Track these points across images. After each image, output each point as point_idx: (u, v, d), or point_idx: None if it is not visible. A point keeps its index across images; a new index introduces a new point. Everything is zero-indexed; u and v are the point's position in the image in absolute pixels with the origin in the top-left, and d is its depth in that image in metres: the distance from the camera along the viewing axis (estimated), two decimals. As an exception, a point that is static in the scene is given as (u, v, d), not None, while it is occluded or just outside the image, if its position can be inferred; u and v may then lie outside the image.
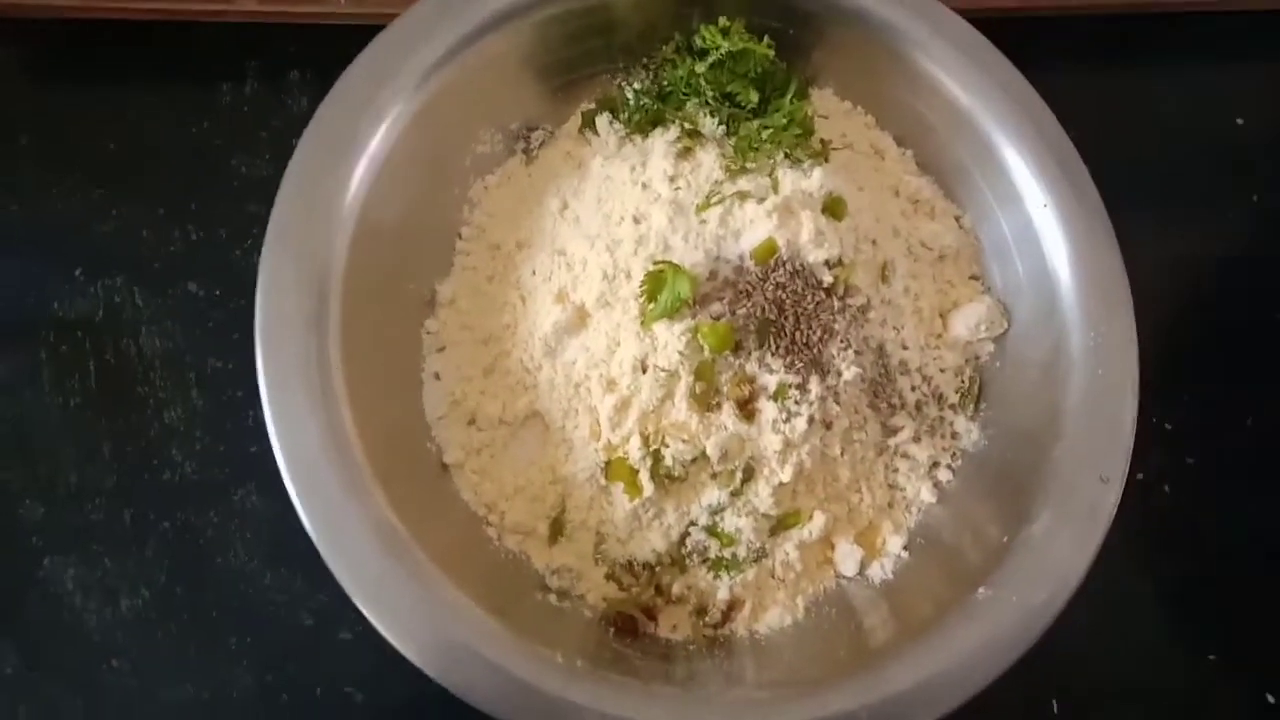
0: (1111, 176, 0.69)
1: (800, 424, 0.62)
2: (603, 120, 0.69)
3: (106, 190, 0.74)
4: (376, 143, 0.63)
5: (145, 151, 0.75)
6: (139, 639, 0.66)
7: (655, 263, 0.61)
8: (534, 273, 0.66)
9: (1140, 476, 0.75)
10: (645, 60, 0.71)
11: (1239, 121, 0.85)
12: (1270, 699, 0.73)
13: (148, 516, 0.68)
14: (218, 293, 0.72)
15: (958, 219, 0.72)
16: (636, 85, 0.70)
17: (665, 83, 0.70)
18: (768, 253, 0.62)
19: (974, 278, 0.71)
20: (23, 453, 0.68)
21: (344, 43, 0.66)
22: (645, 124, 0.69)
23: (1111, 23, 0.84)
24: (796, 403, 0.62)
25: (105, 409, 0.70)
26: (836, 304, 0.64)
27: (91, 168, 0.74)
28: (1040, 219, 0.67)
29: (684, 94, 0.68)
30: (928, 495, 0.68)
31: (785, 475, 0.63)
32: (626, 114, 0.69)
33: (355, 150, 0.62)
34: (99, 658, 0.65)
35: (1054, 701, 0.71)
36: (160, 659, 0.65)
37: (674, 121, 0.68)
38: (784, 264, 0.63)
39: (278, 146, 0.75)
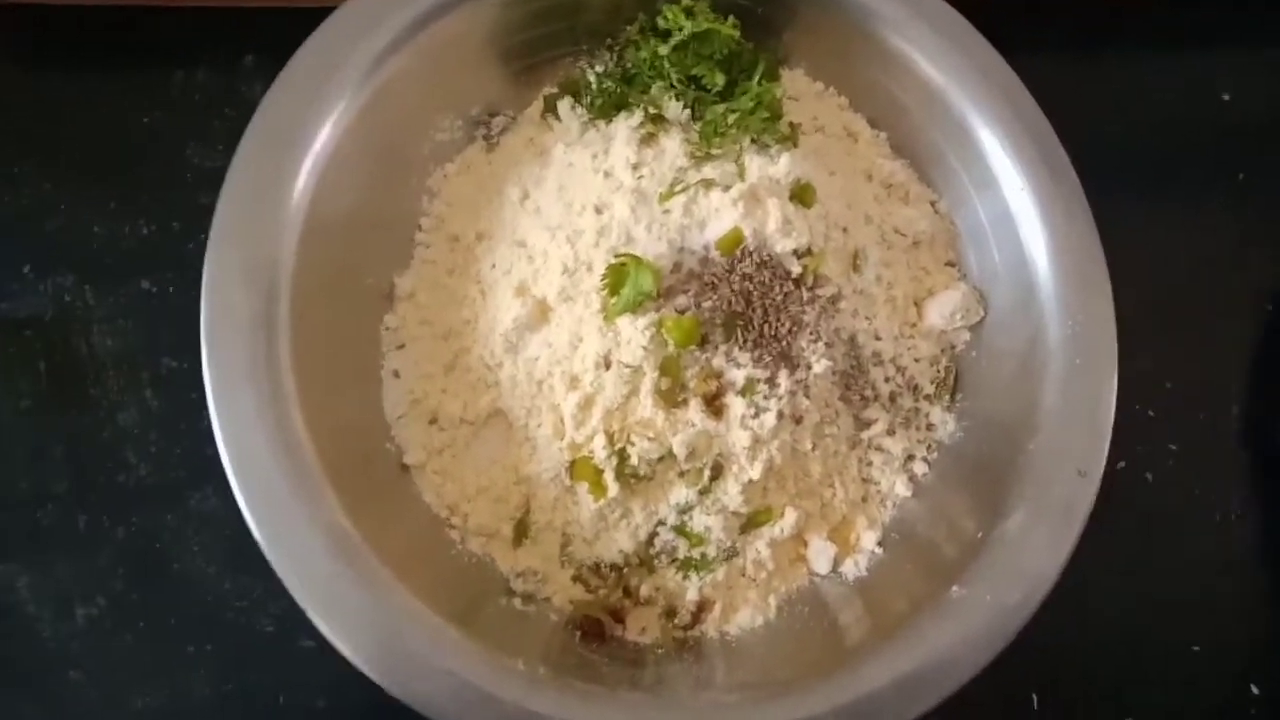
0: (1094, 160, 0.67)
1: (769, 419, 0.60)
2: (565, 105, 0.67)
3: (54, 183, 0.71)
4: (326, 132, 0.60)
5: (95, 142, 0.72)
6: (96, 648, 0.64)
7: (617, 255, 0.59)
8: (494, 266, 0.64)
9: (1121, 465, 0.74)
10: (609, 42, 0.69)
11: (1225, 97, 0.82)
12: (1255, 689, 0.72)
13: (102, 521, 0.66)
14: (171, 289, 0.70)
15: (933, 204, 0.69)
16: (599, 68, 0.67)
17: (629, 65, 0.67)
18: (733, 243, 0.60)
19: (949, 264, 0.69)
20: (-28, 457, 0.67)
21: (300, 26, 0.64)
22: (609, 108, 0.66)
23: (1095, 4, 0.81)
24: (765, 398, 0.60)
25: (57, 411, 0.68)
26: (806, 295, 0.62)
27: (39, 160, 0.72)
28: (1017, 204, 0.64)
29: (648, 77, 0.66)
30: (902, 489, 0.66)
31: (755, 472, 0.61)
32: (589, 98, 0.67)
33: (302, 141, 0.59)
34: (56, 668, 0.64)
35: (1034, 696, 0.69)
36: (118, 668, 0.64)
37: (638, 106, 0.65)
38: (750, 254, 0.60)
39: (232, 135, 0.70)
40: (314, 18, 0.63)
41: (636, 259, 0.59)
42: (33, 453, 0.67)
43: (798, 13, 0.67)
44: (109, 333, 0.69)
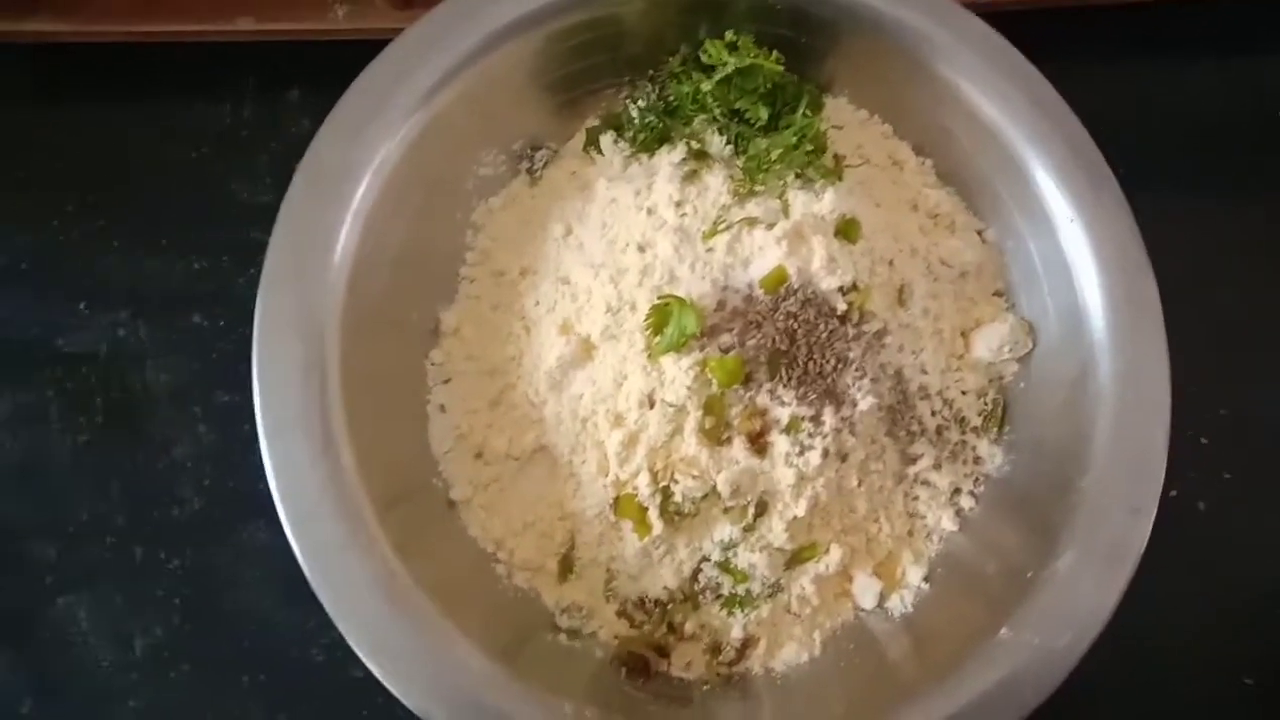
0: (1143, 174, 0.65)
1: (814, 457, 0.60)
2: (607, 139, 0.67)
3: (107, 220, 0.73)
4: (372, 174, 0.61)
5: (145, 179, 0.74)
6: (153, 678, 0.66)
7: (660, 295, 0.59)
8: (538, 303, 0.65)
9: (1174, 493, 0.72)
10: (652, 73, 0.69)
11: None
12: (1310, 723, 0.71)
13: (158, 554, 0.68)
14: (222, 324, 0.71)
15: (980, 233, 0.68)
16: (641, 103, 0.67)
17: (671, 97, 0.67)
18: (777, 281, 0.60)
19: (997, 294, 0.68)
20: (33, 491, 0.69)
21: (343, 59, 0.65)
22: (651, 142, 0.66)
23: (1146, 12, 0.79)
24: (810, 435, 0.60)
25: (113, 445, 0.69)
26: (851, 331, 0.61)
27: (91, 198, 0.73)
28: (1067, 235, 0.63)
29: (690, 110, 0.65)
30: (949, 523, 0.65)
31: (799, 509, 0.61)
32: (632, 132, 0.67)
33: (349, 185, 0.60)
34: (115, 698, 0.66)
35: (1084, 728, 0.69)
36: (175, 699, 0.66)
37: (681, 139, 0.65)
38: (795, 292, 0.60)
39: (278, 170, 0.74)
40: (356, 50, 0.63)
41: (680, 300, 0.59)
42: (91, 487, 0.69)
43: (840, 40, 0.67)
44: (162, 367, 0.71)
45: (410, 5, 0.73)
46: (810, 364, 0.60)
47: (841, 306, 0.61)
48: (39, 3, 0.72)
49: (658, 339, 0.59)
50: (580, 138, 0.69)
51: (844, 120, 0.69)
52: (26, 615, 0.66)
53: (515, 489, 0.64)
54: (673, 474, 0.61)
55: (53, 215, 0.72)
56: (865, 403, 0.61)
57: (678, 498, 0.60)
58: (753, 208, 0.62)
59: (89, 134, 0.75)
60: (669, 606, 0.63)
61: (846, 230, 0.62)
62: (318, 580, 0.55)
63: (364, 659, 0.54)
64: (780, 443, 0.60)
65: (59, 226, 0.72)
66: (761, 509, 0.61)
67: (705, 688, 0.62)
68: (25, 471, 0.69)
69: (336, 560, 0.55)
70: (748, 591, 0.63)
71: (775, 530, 0.61)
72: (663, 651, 0.63)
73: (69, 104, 0.76)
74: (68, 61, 0.75)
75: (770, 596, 0.63)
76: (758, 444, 0.60)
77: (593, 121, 0.69)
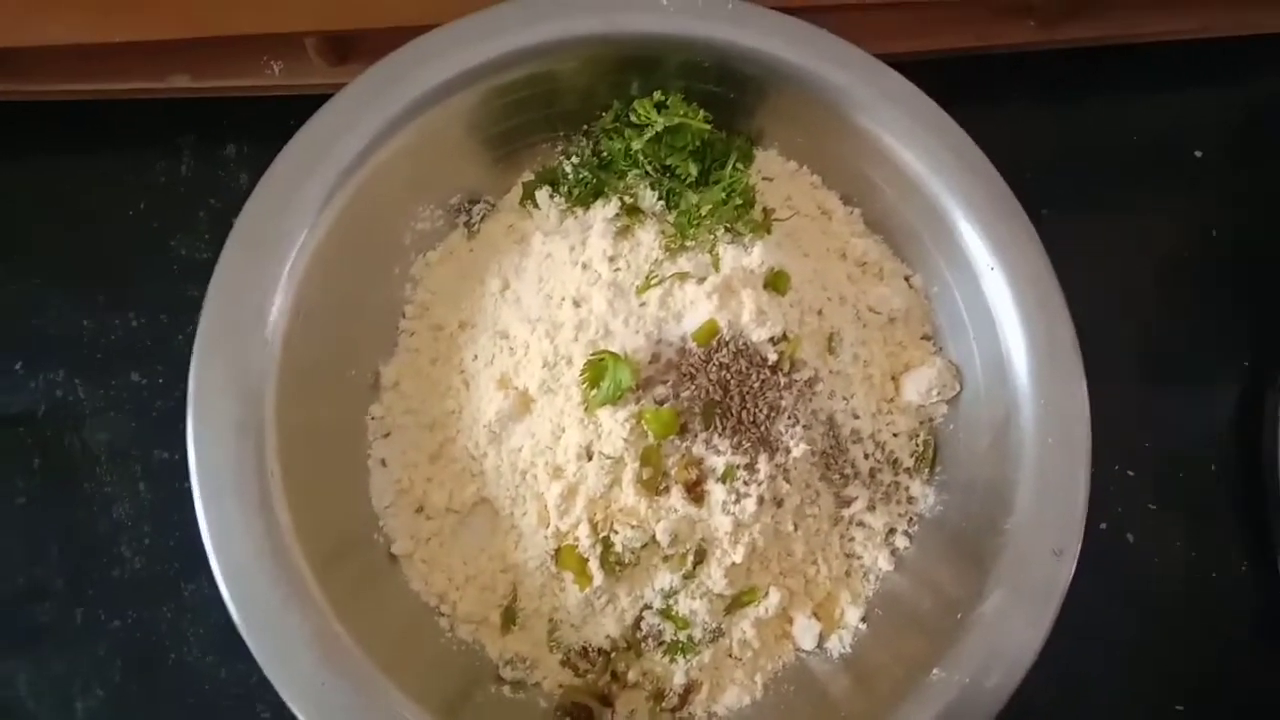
0: (1064, 213, 0.68)
1: (750, 504, 0.61)
2: (543, 194, 0.68)
3: (42, 279, 0.73)
4: (308, 231, 0.61)
5: (82, 236, 0.74)
6: (94, 741, 0.65)
7: (595, 351, 0.60)
8: (476, 357, 0.65)
9: (1103, 526, 0.75)
10: (585, 128, 0.70)
11: (1197, 154, 0.83)
12: (1240, 747, 0.73)
13: (99, 615, 0.67)
14: (161, 381, 0.71)
15: (907, 279, 0.70)
16: (575, 158, 0.68)
17: (605, 153, 0.68)
18: (709, 334, 0.61)
19: (925, 338, 0.70)
20: (-31, 556, 0.68)
21: (280, 114, 0.66)
22: (586, 196, 0.67)
23: (1067, 57, 0.82)
24: (745, 483, 0.62)
25: (51, 505, 0.69)
26: (783, 380, 0.63)
27: (26, 255, 0.73)
28: (989, 282, 0.65)
29: (623, 166, 0.67)
30: (885, 563, 0.67)
31: (737, 556, 0.62)
32: (566, 187, 0.68)
33: (285, 242, 0.60)
34: (55, 762, 0.65)
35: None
36: (117, 761, 0.65)
37: (614, 193, 0.66)
38: (727, 344, 0.62)
39: (217, 226, 0.74)
40: (293, 106, 0.64)
41: (615, 355, 0.60)
42: (28, 549, 0.68)
43: (768, 96, 0.68)
44: (100, 426, 0.70)
45: (345, 61, 0.74)
46: (744, 413, 0.62)
47: (773, 356, 0.62)
48: (-28, 62, 0.72)
49: (594, 392, 0.60)
50: (517, 192, 0.70)
51: (774, 172, 0.71)
52: (-37, 682, 0.66)
53: (457, 542, 0.65)
54: (612, 524, 0.62)
55: (-13, 273, 0.72)
56: (798, 449, 0.63)
57: (618, 547, 0.61)
58: (684, 262, 0.63)
59: (24, 191, 0.75)
60: (612, 655, 0.64)
61: (775, 282, 0.64)
62: (254, 641, 0.55)
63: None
64: (716, 491, 0.61)
65: (-7, 285, 0.72)
66: (700, 556, 0.63)
67: (648, 735, 0.63)
68: (-39, 535, 0.68)
69: (274, 621, 0.55)
70: (689, 638, 0.64)
71: (714, 576, 0.63)
72: (606, 700, 0.63)
73: (3, 161, 0.75)
74: (2, 118, 0.75)
75: (712, 641, 0.64)
76: (695, 493, 0.62)
77: (528, 176, 0.71)
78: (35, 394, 0.70)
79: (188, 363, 0.58)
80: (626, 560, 0.62)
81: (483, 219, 0.70)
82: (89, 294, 0.72)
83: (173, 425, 0.69)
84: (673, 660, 0.64)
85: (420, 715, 0.56)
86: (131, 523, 0.69)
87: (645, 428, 0.60)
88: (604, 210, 0.66)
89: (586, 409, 0.61)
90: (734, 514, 0.61)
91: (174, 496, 0.69)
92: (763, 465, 0.62)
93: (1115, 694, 0.74)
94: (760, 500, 0.62)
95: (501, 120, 0.68)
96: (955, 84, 0.68)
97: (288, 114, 0.64)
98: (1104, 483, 0.69)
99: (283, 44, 0.73)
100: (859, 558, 0.67)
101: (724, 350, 0.62)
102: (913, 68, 0.67)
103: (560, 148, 0.71)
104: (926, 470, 0.68)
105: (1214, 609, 0.76)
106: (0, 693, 0.66)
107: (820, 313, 0.66)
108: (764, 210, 0.67)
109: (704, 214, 0.64)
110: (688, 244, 0.64)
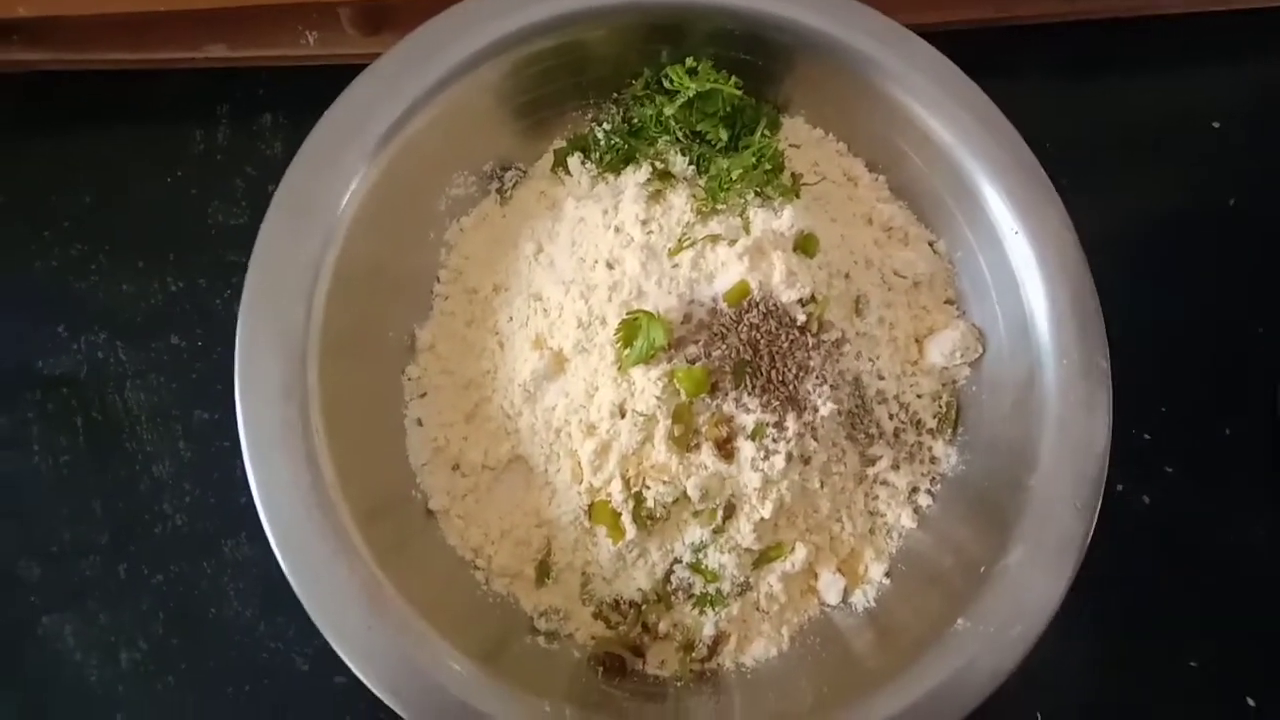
0: (1085, 184, 0.69)
1: (779, 461, 0.63)
2: (574, 160, 0.70)
3: (84, 244, 0.74)
4: (346, 200, 0.62)
5: (121, 203, 0.75)
6: (140, 692, 0.67)
7: (629, 311, 0.62)
8: (511, 318, 0.67)
9: (1120, 488, 0.76)
10: (616, 96, 0.71)
11: (1215, 125, 0.85)
12: (1251, 702, 0.74)
13: (141, 570, 0.69)
14: (200, 344, 0.73)
15: (931, 244, 0.72)
16: (607, 125, 0.70)
17: (635, 120, 0.70)
18: (740, 295, 0.63)
19: (949, 302, 0.72)
20: (16, 513, 0.70)
21: (315, 83, 0.67)
22: (617, 163, 0.69)
23: (1086, 29, 0.83)
24: (774, 440, 0.63)
25: (95, 465, 0.71)
26: (811, 341, 0.64)
27: (68, 222, 0.75)
28: (1012, 246, 0.67)
29: (654, 132, 0.68)
30: (908, 521, 0.69)
31: (766, 511, 0.64)
32: (598, 154, 0.69)
33: (324, 211, 0.62)
34: (102, 712, 0.67)
35: (1038, 713, 0.72)
36: (161, 711, 0.67)
37: (645, 159, 0.68)
38: (757, 304, 0.63)
39: (254, 193, 0.76)
40: (328, 74, 0.66)
41: (649, 314, 0.61)
42: (74, 507, 0.70)
43: (796, 64, 0.70)
44: (142, 387, 0.72)
45: (379, 31, 0.75)
46: (773, 373, 0.63)
47: (801, 317, 0.64)
48: (12, 31, 0.74)
49: (627, 352, 0.62)
50: (548, 159, 0.72)
51: (801, 139, 0.72)
52: (13, 634, 0.68)
53: (492, 498, 0.66)
54: (644, 480, 0.63)
55: (30, 240, 0.74)
56: (826, 408, 0.64)
57: (649, 503, 0.63)
58: (715, 225, 0.64)
59: (65, 160, 0.76)
60: (643, 607, 0.66)
61: (805, 245, 0.65)
62: (304, 592, 0.56)
63: (351, 665, 0.56)
64: (746, 448, 0.63)
65: (36, 251, 0.74)
66: (729, 511, 0.64)
67: (679, 684, 0.65)
68: (7, 494, 0.70)
69: (322, 572, 0.57)
70: (718, 591, 0.65)
71: (743, 531, 0.64)
72: (638, 651, 0.65)
73: (43, 131, 0.77)
74: (42, 89, 0.77)
75: (740, 595, 0.66)
76: (725, 450, 0.63)
77: (560, 143, 0.72)
78: (78, 356, 0.72)
79: (225, 326, 0.59)
80: (658, 515, 0.64)
81: (515, 185, 0.71)
82: (129, 259, 0.74)
83: (212, 386, 0.72)
84: (702, 612, 0.66)
85: (461, 660, 0.58)
86: (172, 481, 0.71)
87: (677, 386, 0.62)
88: (635, 175, 0.67)
89: (620, 368, 0.62)
90: (763, 470, 0.63)
91: (214, 455, 0.71)
92: (791, 423, 0.63)
93: (1132, 652, 0.75)
94: (788, 457, 0.63)
95: (532, 89, 0.70)
96: (976, 55, 0.69)
97: (322, 84, 0.65)
98: (1120, 446, 0.70)
99: (317, 14, 0.75)
100: (883, 515, 0.69)
101: (754, 311, 0.63)
102: (932, 39, 0.68)
103: (591, 115, 0.72)
104: (949, 431, 0.70)
105: (1229, 574, 0.77)
106: (49, 645, 0.67)
107: (847, 276, 0.67)
108: (792, 175, 0.68)
109: (734, 178, 0.65)
110: (719, 207, 0.65)
